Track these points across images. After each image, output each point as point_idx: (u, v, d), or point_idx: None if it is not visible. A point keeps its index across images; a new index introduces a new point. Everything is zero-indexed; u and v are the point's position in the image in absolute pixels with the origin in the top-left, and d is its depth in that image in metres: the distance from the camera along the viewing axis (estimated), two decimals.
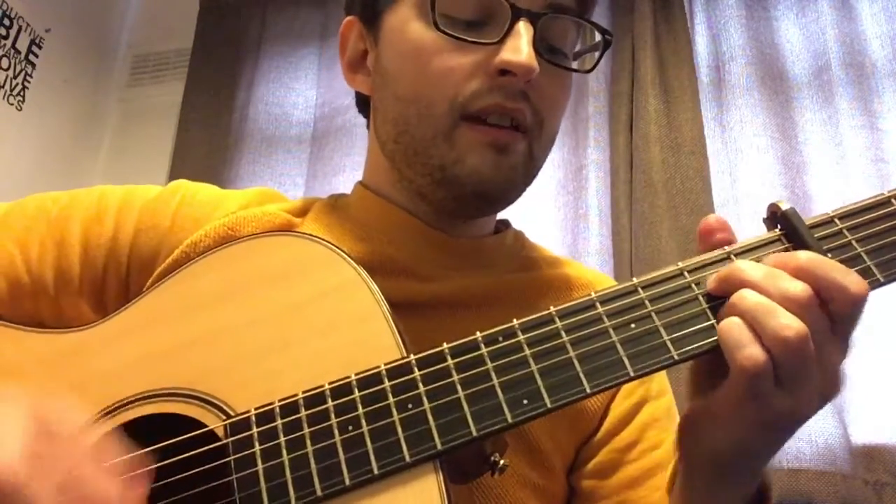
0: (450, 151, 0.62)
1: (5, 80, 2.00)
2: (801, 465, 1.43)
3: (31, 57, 2.09)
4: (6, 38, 2.01)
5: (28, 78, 2.08)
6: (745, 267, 0.49)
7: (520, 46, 0.60)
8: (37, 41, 2.11)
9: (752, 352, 0.46)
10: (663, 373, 0.71)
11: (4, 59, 2.01)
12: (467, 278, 0.67)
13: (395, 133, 0.66)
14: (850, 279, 0.47)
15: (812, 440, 1.44)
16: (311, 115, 2.11)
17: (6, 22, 2.01)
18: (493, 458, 0.49)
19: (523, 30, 0.60)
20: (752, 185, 1.66)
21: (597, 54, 0.70)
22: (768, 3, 1.85)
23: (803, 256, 0.48)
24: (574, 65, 0.70)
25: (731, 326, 0.47)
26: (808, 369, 0.46)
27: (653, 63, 1.80)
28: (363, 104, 0.76)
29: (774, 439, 0.51)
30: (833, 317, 0.47)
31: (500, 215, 0.77)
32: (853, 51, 1.74)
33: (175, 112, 2.19)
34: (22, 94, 2.06)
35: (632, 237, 1.67)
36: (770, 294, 0.47)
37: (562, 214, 1.80)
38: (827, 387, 0.48)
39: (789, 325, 0.45)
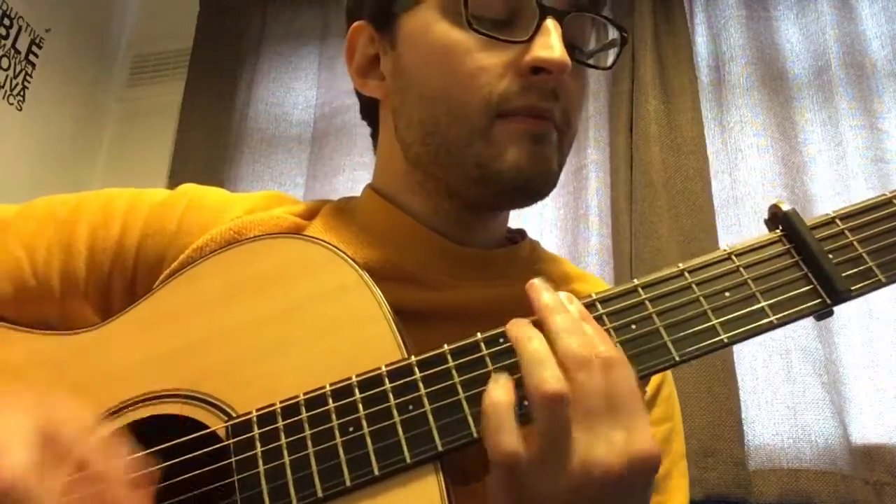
0: (488, 148, 0.61)
1: (5, 80, 2.00)
2: (801, 465, 1.43)
3: (31, 57, 2.09)
4: (6, 38, 2.01)
5: (28, 78, 2.08)
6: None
7: (552, 43, 0.59)
8: (37, 41, 2.11)
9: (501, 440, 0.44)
10: (674, 398, 0.71)
11: (4, 59, 2.00)
12: (476, 290, 0.67)
13: (422, 135, 0.65)
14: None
15: (812, 440, 1.45)
16: (311, 115, 2.11)
17: (6, 22, 2.01)
18: None
19: (553, 27, 0.60)
20: (752, 185, 1.66)
21: (612, 52, 0.69)
22: (768, 3, 1.85)
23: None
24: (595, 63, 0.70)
25: (486, 409, 0.46)
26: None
27: (653, 63, 1.80)
28: (368, 110, 0.75)
29: None
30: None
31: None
32: (853, 51, 1.74)
33: (175, 112, 2.19)
34: (22, 94, 2.06)
35: (632, 237, 1.67)
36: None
37: (562, 214, 1.80)
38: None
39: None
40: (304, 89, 2.16)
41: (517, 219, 1.77)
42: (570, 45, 0.64)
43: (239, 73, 2.17)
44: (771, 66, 1.78)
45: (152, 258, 0.67)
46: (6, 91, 2.00)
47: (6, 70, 2.01)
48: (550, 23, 0.60)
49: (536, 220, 1.79)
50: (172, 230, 0.67)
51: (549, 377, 0.44)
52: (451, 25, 0.62)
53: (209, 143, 2.09)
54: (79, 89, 2.25)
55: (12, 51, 2.03)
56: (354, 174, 1.95)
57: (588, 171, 1.79)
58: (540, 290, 0.50)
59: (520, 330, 0.48)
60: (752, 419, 1.49)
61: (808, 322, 1.51)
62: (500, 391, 0.46)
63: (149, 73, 2.36)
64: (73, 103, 2.23)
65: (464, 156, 0.62)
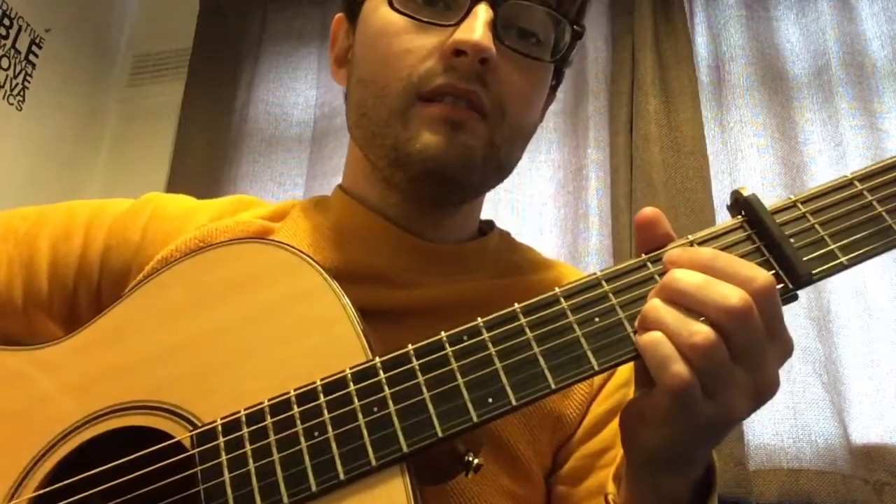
0: (403, 130, 0.61)
1: (5, 80, 2.00)
2: (801, 465, 1.43)
3: (31, 57, 2.09)
4: (6, 38, 2.01)
5: (28, 78, 2.08)
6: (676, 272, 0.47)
7: (473, 27, 0.59)
8: (37, 41, 2.11)
9: (677, 369, 0.45)
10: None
11: (4, 59, 2.01)
12: (446, 285, 0.66)
13: (356, 117, 0.66)
14: (755, 272, 0.46)
15: (812, 440, 1.44)
16: (311, 115, 2.11)
17: (6, 22, 2.01)
18: (466, 458, 0.49)
19: (481, 12, 0.60)
20: (752, 185, 1.65)
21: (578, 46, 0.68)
22: (768, 3, 1.85)
23: (706, 254, 0.48)
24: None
25: (653, 343, 0.46)
26: (730, 374, 0.45)
27: (653, 63, 1.80)
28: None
29: (707, 441, 0.50)
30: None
31: (488, 214, 0.76)
32: (853, 51, 1.74)
33: (175, 112, 2.19)
34: (22, 94, 2.06)
35: (632, 237, 1.67)
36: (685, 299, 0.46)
37: (562, 214, 1.80)
38: (758, 388, 0.46)
39: (699, 331, 0.44)
40: (304, 89, 2.15)
41: (516, 220, 1.78)
42: (521, 33, 0.64)
43: (239, 73, 2.17)
44: (771, 66, 1.78)
45: (117, 269, 0.66)
46: (6, 91, 2.01)
47: (6, 70, 2.01)
48: (481, 7, 0.60)
49: (536, 220, 1.79)
50: (136, 240, 0.67)
51: (729, 294, 0.45)
52: (388, 10, 0.63)
53: (209, 143, 2.09)
54: (79, 89, 2.25)
55: (12, 51, 2.03)
56: None
57: (588, 171, 1.79)
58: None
59: (674, 272, 0.48)
60: (751, 419, 1.48)
61: (808, 321, 1.51)
62: (650, 338, 0.46)
63: (149, 73, 2.37)
64: (73, 103, 2.23)
65: (384, 137, 0.63)
